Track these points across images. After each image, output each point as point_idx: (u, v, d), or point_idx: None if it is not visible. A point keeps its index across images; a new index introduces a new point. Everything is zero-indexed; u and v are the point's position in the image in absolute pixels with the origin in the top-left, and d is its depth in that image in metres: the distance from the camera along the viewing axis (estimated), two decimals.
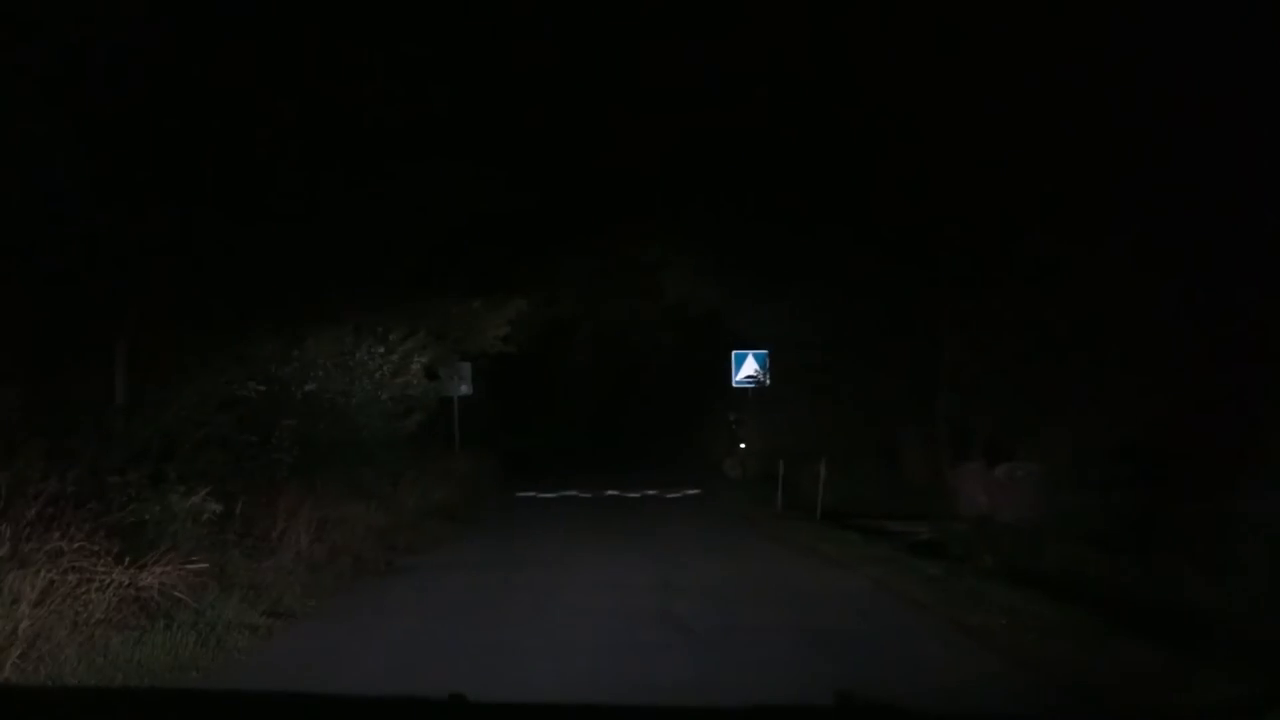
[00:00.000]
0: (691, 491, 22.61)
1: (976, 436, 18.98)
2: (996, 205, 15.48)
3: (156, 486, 10.92)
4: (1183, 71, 10.83)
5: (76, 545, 7.27)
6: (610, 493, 23.07)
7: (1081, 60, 11.44)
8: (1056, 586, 10.06)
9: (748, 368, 23.27)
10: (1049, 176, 13.81)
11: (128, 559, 7.74)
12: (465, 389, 24.18)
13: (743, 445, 25.56)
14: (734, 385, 23.40)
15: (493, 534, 16.50)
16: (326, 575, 11.27)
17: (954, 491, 18.25)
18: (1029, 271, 15.86)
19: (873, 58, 13.58)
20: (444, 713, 2.19)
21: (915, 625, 8.99)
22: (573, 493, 23.06)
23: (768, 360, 23.20)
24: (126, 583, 7.53)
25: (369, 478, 17.41)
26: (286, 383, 16.50)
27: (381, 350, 17.58)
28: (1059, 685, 7.10)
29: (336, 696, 2.70)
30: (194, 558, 8.56)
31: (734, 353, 23.43)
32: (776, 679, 6.84)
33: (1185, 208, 11.90)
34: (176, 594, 7.94)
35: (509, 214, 22.95)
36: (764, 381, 23.16)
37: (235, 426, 15.09)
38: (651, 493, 23.05)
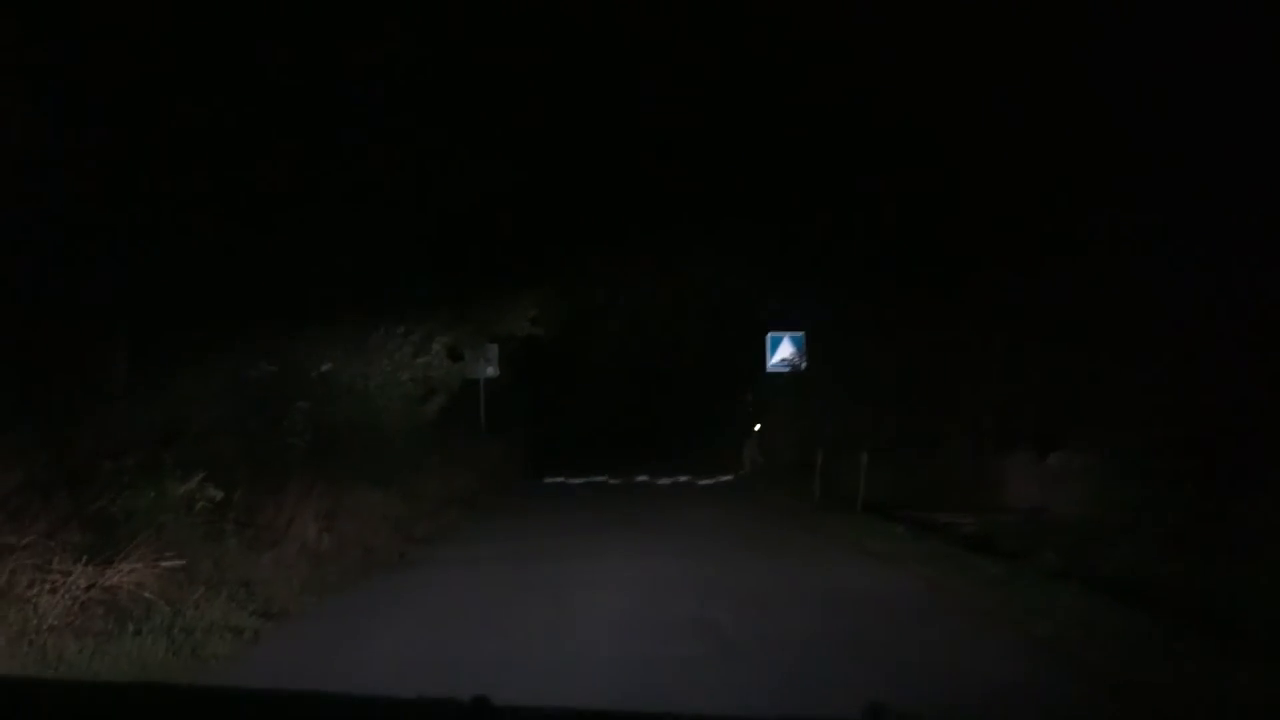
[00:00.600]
0: (724, 478, 21.64)
1: (1024, 425, 17.85)
2: (1041, 191, 14.72)
3: (152, 472, 10.08)
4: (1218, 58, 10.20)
5: (26, 541, 6.30)
6: (640, 479, 22.08)
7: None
8: (1130, 591, 8.96)
9: (783, 351, 22.19)
10: (1090, 164, 13.08)
11: (86, 557, 6.75)
12: (492, 371, 23.20)
13: (758, 427, 24.07)
14: (768, 370, 22.31)
15: (515, 523, 15.52)
16: (331, 569, 10.31)
17: (1000, 482, 17.12)
18: (1081, 254, 14.83)
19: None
20: (466, 716, 2.04)
21: (978, 635, 7.91)
22: (601, 479, 22.10)
23: (804, 343, 22.10)
24: (86, 584, 6.54)
25: (388, 463, 16.49)
26: (300, 363, 15.57)
27: (401, 330, 16.59)
28: (1144, 712, 6.02)
29: (347, 696, 2.46)
30: (170, 553, 7.56)
31: (769, 335, 22.34)
32: (824, 698, 5.79)
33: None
34: (146, 595, 6.96)
35: (531, 199, 22.12)
36: (800, 366, 22.06)
37: (245, 409, 14.30)
38: (683, 479, 22.07)
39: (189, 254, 13.26)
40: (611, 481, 21.76)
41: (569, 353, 30.67)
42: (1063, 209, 15.11)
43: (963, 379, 18.70)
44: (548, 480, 22.12)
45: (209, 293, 13.56)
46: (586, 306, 28.96)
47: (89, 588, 6.63)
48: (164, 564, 7.28)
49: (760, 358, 22.44)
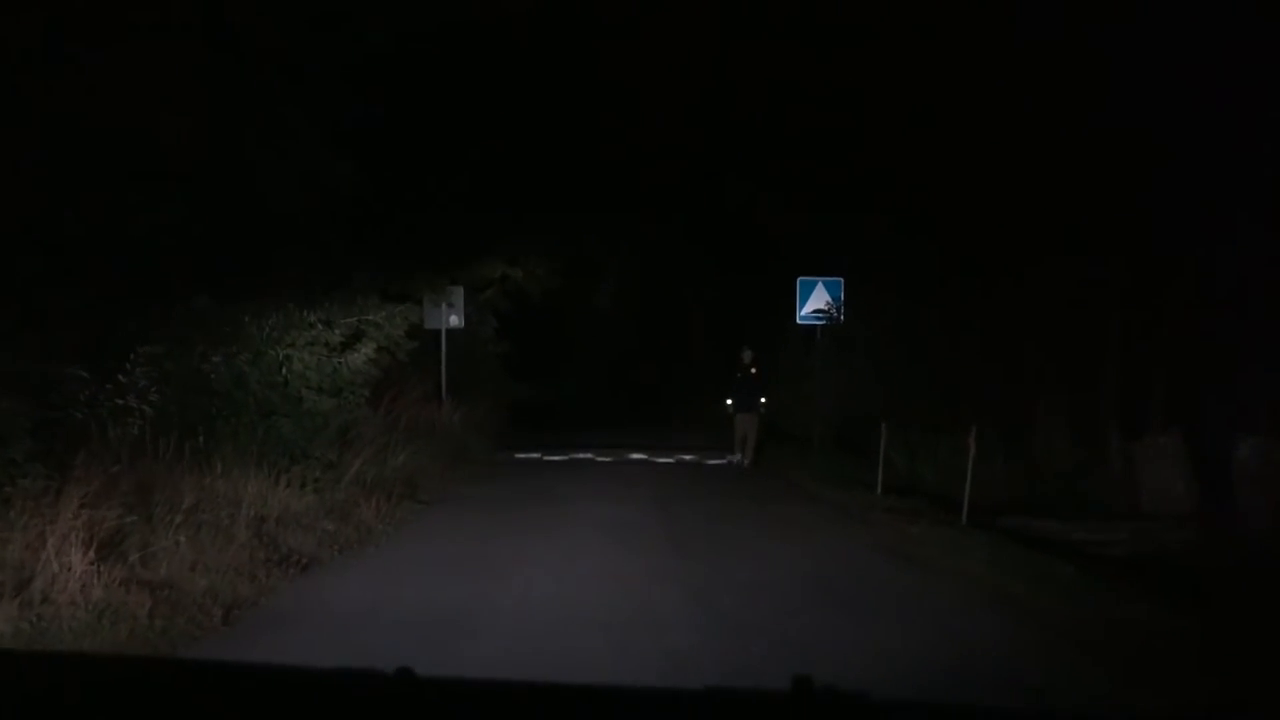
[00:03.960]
0: (735, 457, 16.27)
1: (1155, 398, 12.66)
2: None
3: None
4: None
5: None
6: (636, 456, 16.82)
7: None
8: None
9: (816, 299, 16.93)
10: None
11: None
12: (456, 321, 17.93)
13: (763, 400, 16.43)
14: (799, 321, 17.03)
15: (457, 528, 10.30)
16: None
17: (1132, 477, 11.97)
18: None
19: None
20: (390, 688, 1.89)
21: None
22: (588, 455, 16.82)
23: (842, 290, 16.80)
24: None
25: (291, 435, 11.29)
26: (156, 293, 10.28)
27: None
28: None
29: (266, 666, 2.22)
30: None
31: (799, 280, 17.04)
32: None
33: None
34: None
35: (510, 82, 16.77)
36: (837, 318, 16.77)
37: (53, 353, 9.20)
38: (689, 458, 16.83)
39: None
40: (600, 459, 16.47)
41: (563, 306, 25.27)
42: None
43: (1065, 336, 13.49)
44: (520, 456, 16.80)
45: None
46: (582, 256, 23.59)
47: None
48: None
49: (789, 310, 17.13)
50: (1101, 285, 12.86)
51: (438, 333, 17.73)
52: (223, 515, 8.71)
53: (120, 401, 9.35)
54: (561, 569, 8.06)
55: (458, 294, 17.87)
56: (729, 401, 16.45)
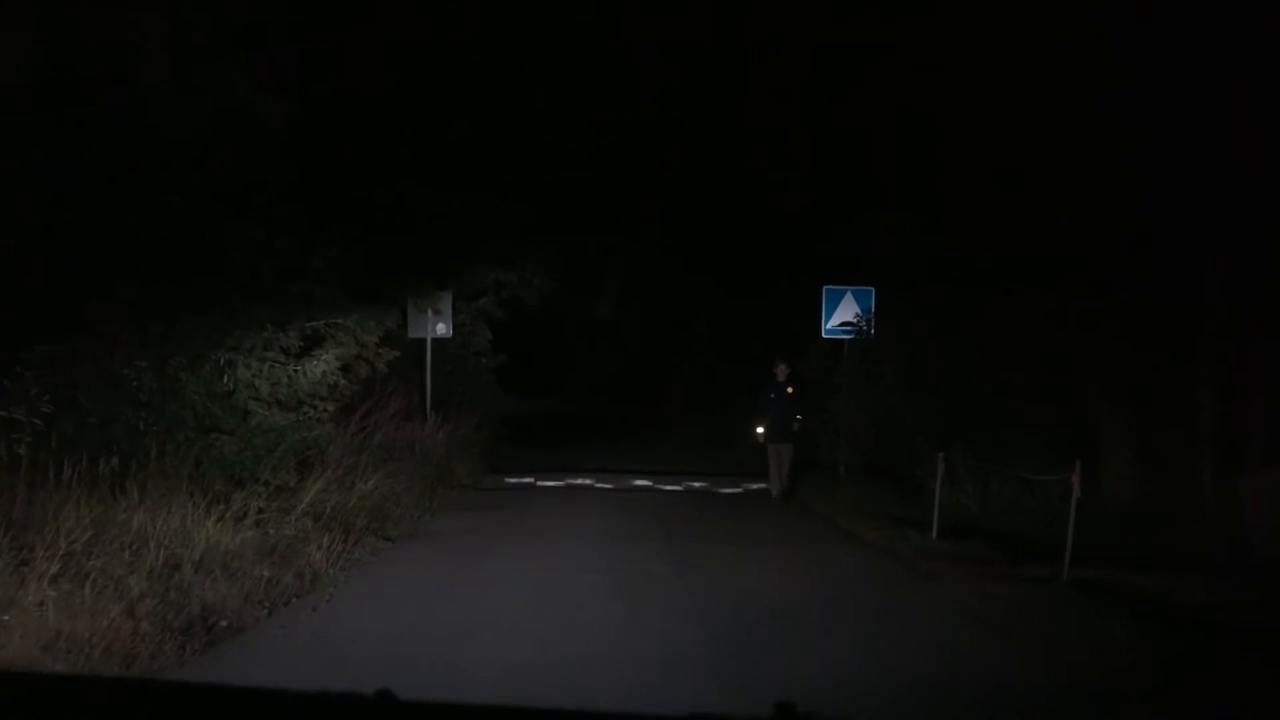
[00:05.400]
0: (755, 486, 14.24)
1: (1254, 427, 10.63)
2: None
3: None
4: None
5: None
6: (640, 483, 14.78)
7: None
8: None
9: (844, 311, 14.89)
10: None
11: None
12: (443, 329, 15.95)
13: (800, 417, 13.75)
14: (825, 334, 14.99)
15: (424, 575, 8.27)
16: None
17: (1230, 518, 9.95)
18: None
19: None
20: (370, 711, 1.85)
21: None
22: (586, 481, 14.80)
23: (873, 300, 14.78)
24: None
25: (235, 456, 9.30)
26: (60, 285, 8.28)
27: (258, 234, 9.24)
28: None
29: (245, 689, 2.02)
30: None
31: (825, 289, 15.00)
32: None
33: None
34: None
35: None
36: (867, 330, 14.73)
37: None
38: (698, 485, 14.81)
39: None
40: (599, 485, 14.45)
41: (559, 314, 23.23)
42: None
43: (1142, 354, 11.49)
44: (511, 481, 14.78)
45: None
46: (583, 261, 21.54)
47: None
48: None
49: (814, 321, 15.09)
50: (1190, 299, 10.88)
51: (423, 342, 15.81)
52: (119, 561, 6.71)
53: (3, 413, 7.38)
54: (550, 642, 6.00)
55: (445, 300, 15.87)
56: (759, 430, 13.82)
